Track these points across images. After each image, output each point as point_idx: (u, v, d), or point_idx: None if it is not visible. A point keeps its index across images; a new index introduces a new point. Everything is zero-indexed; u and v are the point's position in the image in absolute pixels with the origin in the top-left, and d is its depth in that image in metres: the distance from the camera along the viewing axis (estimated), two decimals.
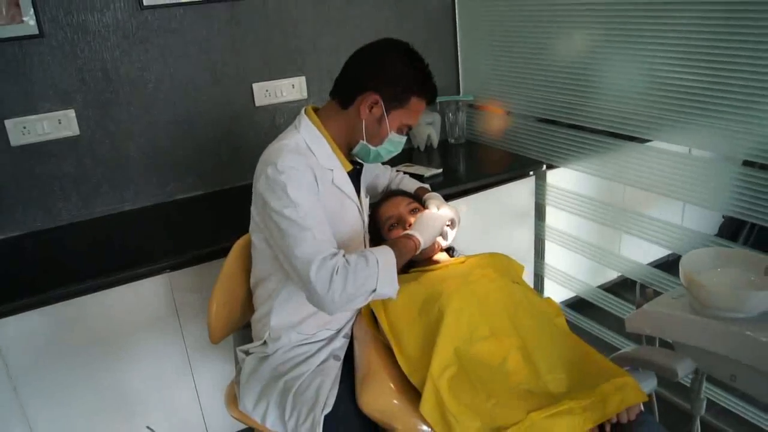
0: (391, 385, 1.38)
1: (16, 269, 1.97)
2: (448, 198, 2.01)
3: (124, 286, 1.87)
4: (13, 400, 1.82)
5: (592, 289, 2.64)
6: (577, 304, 2.77)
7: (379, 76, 1.49)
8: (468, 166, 2.70)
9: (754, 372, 1.35)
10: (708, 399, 1.74)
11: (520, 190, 2.55)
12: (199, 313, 1.99)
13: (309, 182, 1.41)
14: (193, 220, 2.27)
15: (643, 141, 2.18)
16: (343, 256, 1.35)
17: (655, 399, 1.63)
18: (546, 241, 2.74)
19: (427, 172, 2.44)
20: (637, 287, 2.26)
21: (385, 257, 1.39)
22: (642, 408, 1.29)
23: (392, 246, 1.44)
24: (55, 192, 2.24)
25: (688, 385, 1.60)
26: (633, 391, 1.25)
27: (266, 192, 1.38)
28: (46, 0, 2.05)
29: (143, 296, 1.92)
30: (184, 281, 1.96)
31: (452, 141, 2.92)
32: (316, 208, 1.39)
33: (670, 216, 2.27)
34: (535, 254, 2.74)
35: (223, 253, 1.70)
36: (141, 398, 2.00)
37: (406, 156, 2.72)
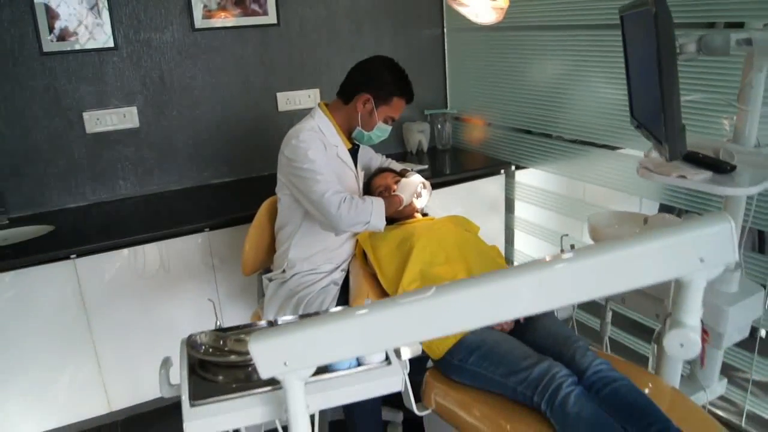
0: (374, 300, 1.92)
1: (90, 226, 2.54)
2: (433, 186, 2.58)
3: (174, 239, 2.43)
4: (85, 327, 2.36)
5: None
6: None
7: (371, 82, 2.07)
8: (450, 164, 3.27)
9: (636, 294, 1.87)
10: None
11: (492, 186, 3.11)
12: (230, 265, 2.54)
13: (321, 150, 1.99)
14: (225, 199, 2.84)
15: (599, 146, 2.68)
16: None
17: (574, 322, 2.14)
18: (515, 230, 3.28)
19: (416, 167, 3.00)
20: None
21: (378, 202, 2.00)
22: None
23: (383, 199, 2.03)
24: (117, 171, 2.81)
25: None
26: None
27: (292, 155, 1.97)
28: (121, 21, 2.65)
29: (188, 248, 2.47)
30: (220, 239, 2.51)
31: (440, 147, 3.49)
32: (327, 165, 1.97)
33: (629, 208, 2.74)
34: (505, 241, 3.29)
35: (248, 219, 2.27)
36: (183, 331, 2.53)
37: (400, 158, 3.28)
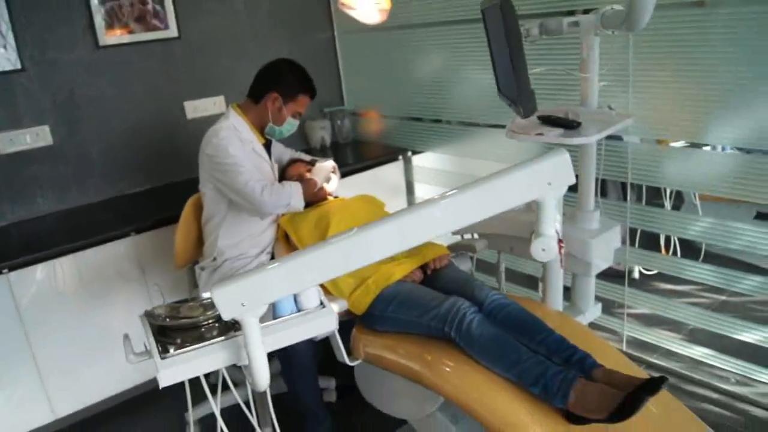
0: None
1: (15, 243, 2.63)
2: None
3: (101, 246, 2.57)
4: (22, 339, 2.46)
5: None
6: None
7: (277, 82, 2.32)
8: (352, 155, 3.56)
9: (522, 240, 2.22)
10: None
11: (392, 171, 3.44)
12: (159, 264, 2.70)
13: (239, 145, 2.22)
14: (144, 205, 2.99)
15: (484, 126, 3.03)
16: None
17: (473, 272, 2.46)
18: None
19: (322, 160, 3.25)
20: None
21: (296, 185, 2.27)
22: (452, 262, 2.13)
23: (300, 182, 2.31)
24: (35, 189, 2.90)
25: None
26: (442, 250, 2.10)
27: (213, 152, 2.19)
28: (25, 43, 2.75)
29: (117, 254, 2.62)
30: (146, 242, 2.67)
31: (341, 141, 3.78)
32: (245, 159, 2.20)
33: None
34: None
35: (169, 221, 2.49)
36: (121, 331, 2.68)
37: (306, 153, 3.53)
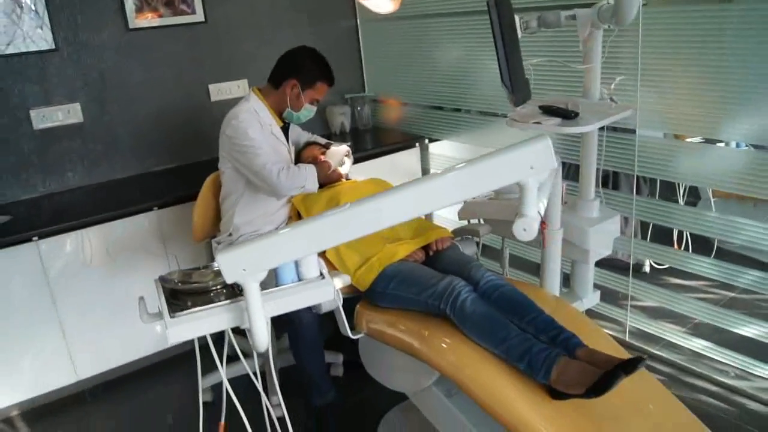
0: None
1: (45, 213, 2.78)
2: (356, 160, 2.95)
3: (126, 218, 2.71)
4: (50, 303, 2.62)
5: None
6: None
7: (297, 69, 2.42)
8: (371, 141, 3.65)
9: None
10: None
11: (409, 158, 3.52)
12: (179, 238, 2.84)
13: (258, 128, 2.34)
14: (169, 182, 3.12)
15: (501, 116, 3.04)
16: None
17: (478, 256, 2.54)
18: None
19: (336, 144, 3.35)
20: None
21: (311, 168, 2.38)
22: (452, 243, 2.21)
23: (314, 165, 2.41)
24: (65, 164, 3.05)
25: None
26: (445, 233, 2.19)
27: (233, 134, 2.30)
28: (59, 24, 2.89)
29: (141, 226, 2.76)
30: (168, 216, 2.81)
31: (361, 127, 3.87)
32: (264, 141, 2.32)
33: None
34: None
35: (191, 198, 2.60)
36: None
37: (325, 138, 3.63)
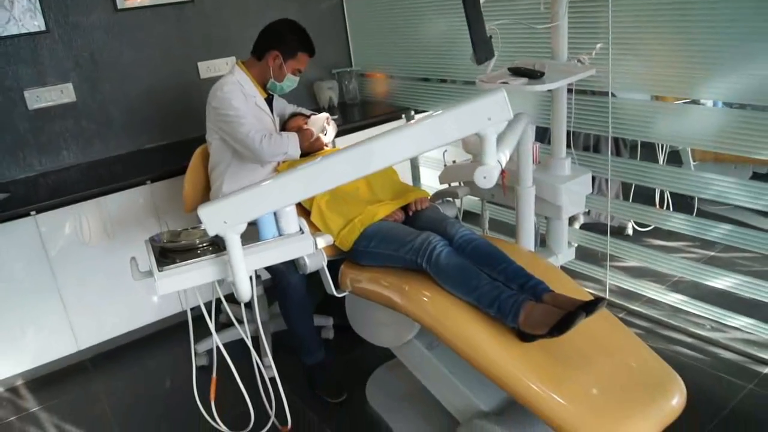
0: None
1: (42, 190, 2.88)
2: (344, 132, 3.06)
3: (121, 192, 2.81)
4: (49, 275, 2.73)
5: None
6: None
7: (278, 41, 2.50)
8: (358, 114, 3.74)
9: (500, 189, 2.39)
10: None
11: None
12: (172, 209, 2.93)
13: (242, 99, 2.43)
14: (161, 158, 3.22)
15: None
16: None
17: (461, 217, 2.63)
18: (420, 167, 3.79)
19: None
20: None
21: (293, 135, 2.46)
22: (431, 204, 2.31)
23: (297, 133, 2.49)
24: (60, 143, 3.14)
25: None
26: (423, 194, 2.29)
27: (218, 105, 2.39)
28: (50, 6, 2.97)
29: (135, 199, 2.86)
30: (161, 190, 2.90)
31: (349, 102, 3.95)
32: (248, 111, 2.40)
33: None
34: (412, 178, 3.79)
35: (182, 171, 2.69)
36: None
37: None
